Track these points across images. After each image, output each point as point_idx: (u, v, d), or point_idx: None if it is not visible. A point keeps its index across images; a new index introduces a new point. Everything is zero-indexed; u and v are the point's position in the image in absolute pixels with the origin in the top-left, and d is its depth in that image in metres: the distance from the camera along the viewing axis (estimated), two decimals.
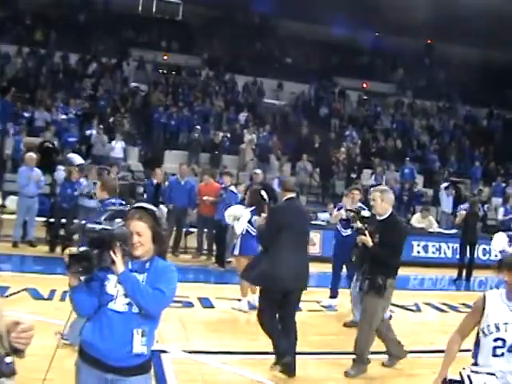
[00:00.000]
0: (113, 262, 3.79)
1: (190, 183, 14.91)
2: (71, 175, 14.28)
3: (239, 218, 10.30)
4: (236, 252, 10.52)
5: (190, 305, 10.16)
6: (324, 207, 20.16)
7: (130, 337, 3.79)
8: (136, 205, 4.13)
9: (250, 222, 10.19)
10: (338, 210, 11.09)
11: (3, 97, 22.63)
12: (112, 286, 3.86)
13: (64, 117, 22.19)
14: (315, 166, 23.91)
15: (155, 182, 14.78)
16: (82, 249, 3.77)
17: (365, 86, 34.65)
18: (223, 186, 14.25)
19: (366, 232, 7.43)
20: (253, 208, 10.31)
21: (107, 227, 3.88)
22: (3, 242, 14.35)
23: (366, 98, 33.42)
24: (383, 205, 7.35)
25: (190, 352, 7.76)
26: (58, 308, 9.11)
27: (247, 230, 10.27)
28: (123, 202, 7.84)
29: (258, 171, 15.80)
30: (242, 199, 13.20)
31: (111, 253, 3.78)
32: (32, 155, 14.34)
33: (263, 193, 10.24)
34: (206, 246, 15.16)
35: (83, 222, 4.00)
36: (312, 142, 25.56)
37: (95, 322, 3.90)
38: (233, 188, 13.76)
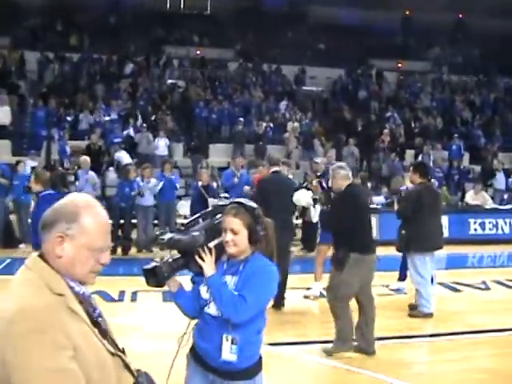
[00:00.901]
0: (200, 267, 3.65)
1: (245, 175, 14.72)
2: (129, 174, 14.16)
3: (312, 205, 10.17)
4: (318, 240, 10.45)
5: None
6: (374, 191, 19.86)
7: (219, 342, 3.62)
8: (234, 200, 3.88)
9: None
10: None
11: (46, 103, 22.78)
12: (205, 290, 3.71)
13: (107, 118, 22.20)
14: (360, 150, 23.59)
15: (200, 184, 14.38)
16: (151, 264, 3.73)
17: (399, 65, 34.11)
18: None
19: None
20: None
21: (177, 236, 3.75)
22: None
23: (402, 77, 32.88)
24: (337, 181, 7.60)
25: (271, 344, 7.60)
26: (130, 309, 9.07)
27: None
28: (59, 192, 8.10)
29: (318, 160, 15.51)
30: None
31: (197, 258, 3.64)
32: (87, 158, 14.33)
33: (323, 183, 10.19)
34: None
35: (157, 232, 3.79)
36: (355, 126, 25.29)
37: (200, 321, 3.80)
38: (290, 177, 13.49)
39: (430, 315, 9.19)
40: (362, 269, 7.29)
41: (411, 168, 9.95)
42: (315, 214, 10.33)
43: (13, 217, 14.53)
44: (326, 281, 9.94)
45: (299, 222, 14.45)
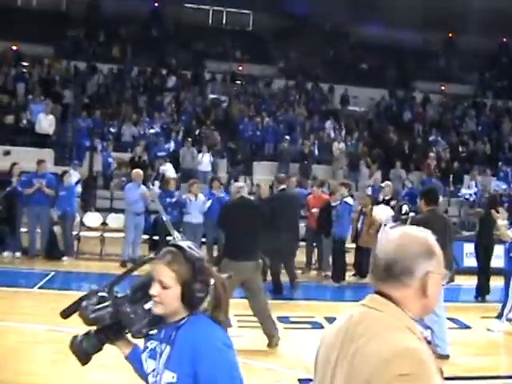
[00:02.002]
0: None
1: (301, 194, 14.15)
2: (168, 185, 13.65)
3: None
4: None
5: (319, 326, 9.38)
6: None
7: None
8: (173, 243, 2.86)
9: None
10: None
11: (89, 114, 22.52)
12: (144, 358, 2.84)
13: (152, 131, 21.85)
14: (407, 173, 22.97)
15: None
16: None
17: (443, 88, 33.43)
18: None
19: None
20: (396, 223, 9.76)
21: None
22: (107, 261, 13.83)
23: (445, 100, 32.15)
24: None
25: None
26: None
27: None
28: None
29: (389, 183, 15.00)
30: None
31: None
32: (139, 171, 13.77)
33: (404, 207, 9.77)
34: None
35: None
36: (401, 149, 24.70)
37: None
38: (348, 199, 12.92)
39: (446, 357, 8.05)
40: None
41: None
42: None
43: (57, 228, 14.07)
44: None
45: (352, 246, 13.84)
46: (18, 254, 13.61)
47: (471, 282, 12.92)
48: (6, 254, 13.61)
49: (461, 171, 24.14)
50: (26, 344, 7.46)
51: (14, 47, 27.70)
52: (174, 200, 13.36)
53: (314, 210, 13.58)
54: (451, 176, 23.72)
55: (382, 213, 9.57)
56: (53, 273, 12.12)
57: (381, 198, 14.25)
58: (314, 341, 7.88)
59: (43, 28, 27.84)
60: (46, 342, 7.64)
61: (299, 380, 6.82)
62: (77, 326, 7.86)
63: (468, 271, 13.99)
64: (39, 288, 10.81)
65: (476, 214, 12.40)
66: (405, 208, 9.85)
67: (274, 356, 7.66)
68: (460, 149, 26.52)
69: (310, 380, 6.54)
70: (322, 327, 9.25)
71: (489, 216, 12.20)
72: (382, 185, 14.96)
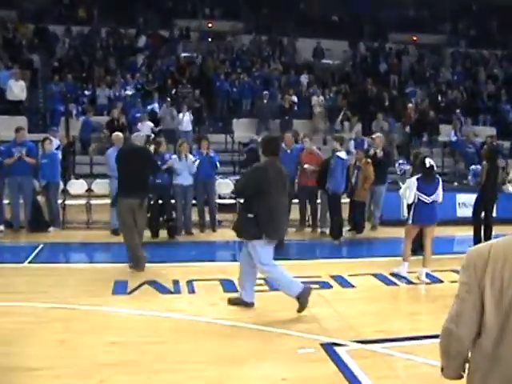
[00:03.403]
0: None
1: (296, 150, 13.67)
2: (160, 147, 13.09)
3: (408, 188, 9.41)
4: (410, 221, 9.72)
5: (328, 285, 9.06)
6: None
7: None
8: None
9: (419, 189, 9.34)
10: None
11: (61, 78, 21.78)
12: None
13: (128, 92, 21.22)
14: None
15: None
16: None
17: (415, 39, 33.02)
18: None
19: None
20: (419, 175, 9.43)
21: None
22: (96, 229, 13.32)
23: (418, 51, 31.76)
24: None
25: (361, 342, 6.67)
26: (191, 303, 8.12)
27: (419, 199, 9.50)
28: None
29: (379, 134, 14.64)
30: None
31: None
32: (119, 134, 13.10)
33: (427, 160, 9.37)
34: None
35: None
36: (380, 100, 24.36)
37: None
38: (341, 154, 12.50)
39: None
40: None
41: None
42: (410, 197, 9.57)
43: (40, 198, 13.49)
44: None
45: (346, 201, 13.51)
46: (1, 227, 12.96)
47: (465, 232, 12.77)
48: None
49: (439, 121, 23.85)
50: (30, 325, 7.00)
51: None
52: (169, 164, 12.78)
53: (307, 166, 13.18)
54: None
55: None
56: (41, 245, 11.53)
57: (372, 151, 13.89)
58: (326, 302, 7.62)
59: None
60: (51, 320, 7.19)
61: (321, 344, 6.49)
62: (80, 303, 7.54)
63: (461, 222, 13.86)
64: (30, 263, 10.28)
65: (485, 166, 12.06)
66: (428, 161, 9.45)
67: (292, 321, 7.31)
68: (439, 99, 26.27)
69: (334, 344, 6.30)
70: (331, 287, 8.99)
71: (494, 167, 12.05)
72: (373, 136, 14.54)
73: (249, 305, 7.91)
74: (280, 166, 7.89)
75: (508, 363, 2.48)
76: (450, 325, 2.66)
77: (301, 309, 7.57)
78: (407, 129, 22.92)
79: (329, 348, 6.39)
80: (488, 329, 2.55)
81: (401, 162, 14.34)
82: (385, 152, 13.90)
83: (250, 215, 7.61)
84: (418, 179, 9.50)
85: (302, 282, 8.63)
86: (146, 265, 9.89)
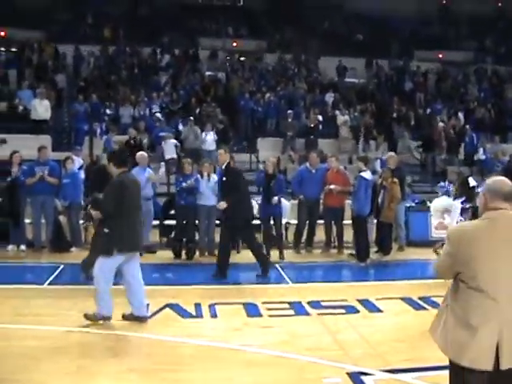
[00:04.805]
0: None
1: (322, 170, 13.41)
2: (184, 168, 12.93)
3: (448, 210, 9.09)
4: None
5: (354, 310, 8.76)
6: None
7: None
8: None
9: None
10: None
11: (86, 98, 21.82)
12: None
13: (158, 115, 21.18)
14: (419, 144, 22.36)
15: (268, 172, 13.10)
16: None
17: (440, 56, 32.73)
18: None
19: None
20: (463, 198, 9.09)
21: None
22: None
23: (445, 69, 31.43)
24: None
25: (390, 371, 6.35)
26: (214, 328, 7.88)
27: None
28: None
29: (392, 153, 14.36)
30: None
31: None
32: (144, 154, 13.03)
33: (470, 180, 9.03)
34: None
35: None
36: (406, 119, 24.07)
37: None
38: (365, 174, 12.24)
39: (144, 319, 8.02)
40: None
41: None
42: (452, 220, 9.24)
43: (62, 218, 13.38)
44: None
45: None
46: (22, 247, 12.90)
47: None
48: (10, 247, 12.92)
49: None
50: (47, 349, 6.82)
51: (2, 33, 26.98)
52: (189, 183, 12.59)
53: (333, 187, 12.92)
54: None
55: (438, 207, 8.98)
56: (62, 266, 11.39)
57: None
58: (353, 328, 7.32)
59: (31, 12, 27.12)
60: (68, 345, 7.01)
61: (348, 373, 6.20)
62: (99, 327, 7.33)
63: None
64: (49, 284, 10.12)
65: None
66: (472, 181, 9.12)
67: (318, 347, 7.02)
68: (464, 117, 25.88)
69: (361, 373, 6.00)
70: (358, 311, 8.68)
71: None
72: (386, 156, 14.29)
73: (143, 319, 7.90)
74: (134, 176, 8.27)
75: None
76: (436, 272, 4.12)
77: (86, 317, 7.77)
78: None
79: (356, 377, 6.10)
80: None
81: (442, 184, 13.86)
82: (399, 170, 13.62)
83: (106, 230, 7.67)
84: (462, 202, 9.17)
85: (326, 307, 8.40)
86: (169, 287, 9.73)
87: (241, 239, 12.45)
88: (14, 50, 26.09)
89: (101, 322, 7.77)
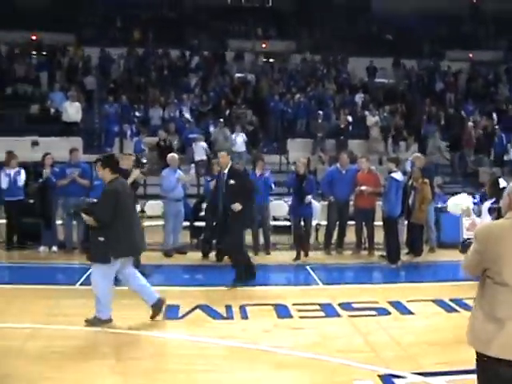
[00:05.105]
0: None
1: (352, 171, 13.34)
2: (212, 169, 12.96)
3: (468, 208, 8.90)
4: None
5: (385, 312, 8.69)
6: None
7: None
8: None
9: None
10: None
11: (116, 99, 22.00)
12: None
13: (188, 116, 21.31)
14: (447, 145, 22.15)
15: (300, 173, 13.05)
16: None
17: (470, 55, 32.39)
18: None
19: None
20: (493, 200, 8.91)
21: None
22: (149, 251, 13.07)
23: (475, 68, 31.11)
24: None
25: (422, 374, 6.28)
26: (245, 329, 7.86)
27: None
28: None
29: (418, 155, 14.20)
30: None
31: None
32: (174, 156, 13.11)
33: (501, 181, 8.87)
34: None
35: None
36: (437, 119, 23.89)
37: None
38: (396, 175, 12.15)
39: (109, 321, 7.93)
40: None
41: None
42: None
43: None
44: None
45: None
46: (54, 248, 13.04)
47: None
48: (42, 248, 13.04)
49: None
50: (79, 349, 6.88)
51: (34, 37, 27.28)
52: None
53: (364, 188, 12.83)
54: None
55: (457, 204, 8.73)
56: None
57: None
58: (384, 330, 7.25)
59: (61, 16, 27.38)
60: (100, 346, 7.07)
61: (379, 376, 6.15)
62: (130, 327, 7.37)
63: None
64: (81, 284, 10.18)
65: None
66: (502, 182, 8.94)
67: (349, 349, 6.99)
68: (497, 117, 25.59)
69: (392, 376, 5.94)
70: (389, 313, 8.61)
71: None
72: (418, 154, 14.15)
73: (107, 321, 7.85)
74: (124, 181, 8.26)
75: None
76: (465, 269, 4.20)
77: (87, 323, 7.72)
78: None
79: (387, 380, 6.05)
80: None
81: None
82: (428, 171, 13.52)
83: (101, 239, 7.60)
84: (492, 203, 9.00)
85: (358, 308, 8.37)
86: (199, 288, 9.76)
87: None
88: (45, 53, 26.33)
89: (100, 326, 7.75)
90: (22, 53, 25.68)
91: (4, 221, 13.52)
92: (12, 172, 13.15)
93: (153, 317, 8.06)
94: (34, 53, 26.31)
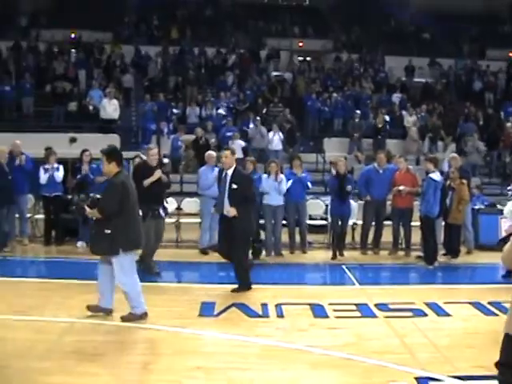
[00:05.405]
0: None
1: (389, 170, 13.23)
2: (246, 167, 12.93)
3: None
4: None
5: (422, 313, 8.59)
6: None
7: None
8: None
9: None
10: None
11: (153, 97, 22.17)
12: None
13: (222, 112, 21.35)
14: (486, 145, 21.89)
15: (336, 174, 12.97)
16: None
17: (511, 54, 31.92)
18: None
19: None
20: None
21: None
22: (185, 248, 13.28)
23: None
24: None
25: (459, 378, 6.18)
26: (280, 328, 7.83)
27: None
28: None
29: (454, 155, 14.06)
30: None
31: None
32: (212, 153, 13.16)
33: None
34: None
35: None
36: (475, 119, 23.62)
37: None
38: (434, 175, 12.02)
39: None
40: None
41: None
42: None
43: None
44: None
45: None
46: None
47: None
48: (79, 244, 13.14)
49: None
50: (114, 344, 6.93)
51: (73, 35, 27.60)
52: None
53: (402, 188, 12.72)
54: None
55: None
56: None
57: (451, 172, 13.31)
58: (420, 332, 7.16)
59: (100, 14, 27.66)
60: (135, 341, 7.15)
61: (415, 378, 6.07)
62: (165, 324, 7.40)
63: None
64: None
65: None
66: None
67: (384, 350, 6.91)
68: None
69: (429, 379, 5.86)
70: (426, 315, 8.51)
71: None
72: (449, 157, 14.00)
73: (143, 316, 7.85)
74: (128, 174, 8.18)
75: None
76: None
77: (122, 319, 7.72)
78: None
79: (424, 382, 5.97)
80: None
81: (510, 187, 13.48)
82: (464, 171, 13.39)
83: (107, 231, 7.52)
84: None
85: (394, 309, 8.30)
86: (235, 286, 9.76)
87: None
88: (83, 51, 26.61)
89: (136, 322, 7.74)
90: (61, 51, 25.96)
91: (42, 216, 13.69)
92: (51, 168, 13.29)
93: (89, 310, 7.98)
94: (73, 51, 26.61)
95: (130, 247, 7.77)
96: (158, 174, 10.65)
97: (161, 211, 10.50)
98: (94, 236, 7.86)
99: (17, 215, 13.36)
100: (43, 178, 13.31)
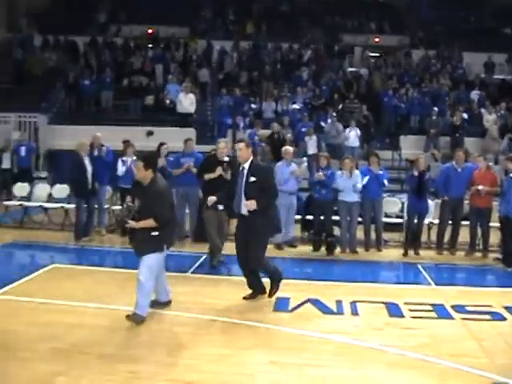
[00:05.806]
0: None
1: (468, 169, 12.94)
2: (319, 162, 12.92)
3: None
4: None
5: (500, 317, 8.33)
6: None
7: None
8: None
9: None
10: None
11: (229, 92, 22.34)
12: None
13: (296, 106, 21.35)
14: None
15: (417, 172, 12.74)
16: None
17: None
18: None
19: None
20: None
21: None
22: None
23: None
24: None
25: None
26: (355, 326, 7.76)
27: None
28: None
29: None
30: None
31: None
32: (289, 148, 13.12)
33: None
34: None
35: None
36: None
37: None
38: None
39: None
40: None
41: None
42: None
43: None
44: None
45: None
46: None
47: None
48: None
49: None
50: (189, 336, 7.03)
51: (150, 30, 28.05)
52: (317, 176, 12.54)
53: (481, 187, 12.41)
54: None
55: None
56: (204, 255, 11.59)
57: None
58: (500, 336, 6.95)
59: (176, 9, 28.00)
60: (210, 333, 7.19)
61: None
62: (240, 317, 7.44)
63: None
64: (193, 273, 10.40)
65: None
66: None
67: (461, 353, 6.77)
68: None
69: None
70: (505, 319, 8.26)
71: None
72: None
73: (167, 304, 8.06)
74: (161, 175, 8.07)
75: None
76: None
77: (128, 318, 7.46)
78: None
79: None
80: None
81: None
82: None
83: (155, 233, 7.46)
84: None
85: (471, 312, 8.10)
86: (309, 282, 9.74)
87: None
88: (160, 46, 27.02)
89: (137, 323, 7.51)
90: (138, 45, 26.41)
91: (120, 207, 13.92)
92: (128, 160, 13.52)
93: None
94: (150, 46, 27.03)
95: (171, 244, 7.88)
96: (218, 171, 10.79)
97: (218, 205, 10.43)
98: (140, 239, 7.64)
99: (96, 206, 13.67)
100: (121, 169, 13.64)
